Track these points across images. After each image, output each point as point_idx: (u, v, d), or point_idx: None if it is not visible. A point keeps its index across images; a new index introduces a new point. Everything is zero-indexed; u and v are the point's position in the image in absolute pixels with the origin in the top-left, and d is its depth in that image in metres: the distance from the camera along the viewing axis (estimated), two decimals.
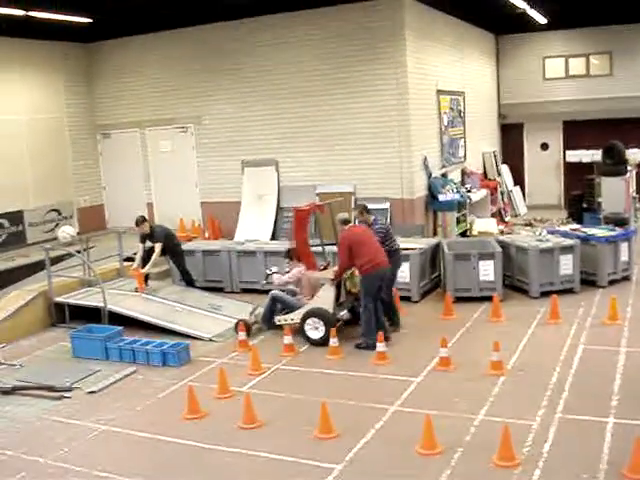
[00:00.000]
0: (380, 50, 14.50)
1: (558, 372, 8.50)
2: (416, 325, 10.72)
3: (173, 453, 7.06)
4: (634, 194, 16.81)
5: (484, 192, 18.27)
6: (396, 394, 8.11)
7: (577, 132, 21.04)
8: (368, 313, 9.71)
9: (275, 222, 15.85)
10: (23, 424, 7.98)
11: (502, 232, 16.52)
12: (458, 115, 17.89)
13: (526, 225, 18.46)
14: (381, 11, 14.36)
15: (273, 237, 15.60)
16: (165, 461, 6.90)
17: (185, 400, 7.95)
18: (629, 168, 16.36)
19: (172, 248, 12.83)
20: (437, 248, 12.81)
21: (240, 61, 15.91)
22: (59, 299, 11.86)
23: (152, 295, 12.19)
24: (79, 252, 12.84)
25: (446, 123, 16.88)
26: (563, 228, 13.72)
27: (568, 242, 12.11)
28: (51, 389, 8.84)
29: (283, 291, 10.86)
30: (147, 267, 12.36)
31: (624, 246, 12.45)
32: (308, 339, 10.10)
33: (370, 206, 14.27)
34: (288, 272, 10.86)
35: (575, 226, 14.04)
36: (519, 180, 21.98)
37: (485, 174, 20.04)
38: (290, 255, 10.98)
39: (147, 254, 12.47)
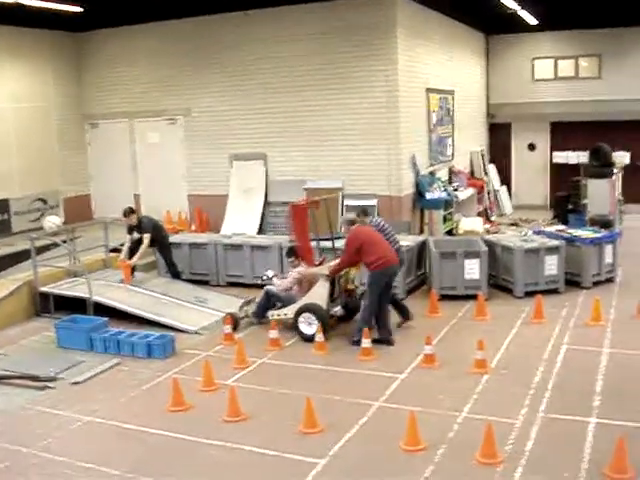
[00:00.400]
0: (371, 47, 14.51)
1: (541, 371, 8.57)
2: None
3: (157, 445, 7.07)
4: (619, 197, 16.92)
5: (471, 191, 18.35)
6: (381, 390, 8.15)
7: (564, 133, 21.18)
8: (370, 310, 9.72)
9: (262, 216, 15.82)
10: (6, 414, 7.96)
11: (488, 231, 16.60)
12: (447, 114, 17.94)
13: (512, 225, 18.55)
14: (373, 8, 14.37)
15: (260, 231, 15.58)
16: (149, 453, 6.91)
17: (170, 392, 7.96)
18: (615, 171, 16.47)
19: (160, 240, 12.81)
20: (423, 246, 12.85)
21: (231, 54, 15.87)
22: (44, 289, 11.81)
23: (138, 287, 12.16)
24: (65, 242, 12.80)
25: (435, 121, 16.93)
26: (549, 229, 13.80)
27: (553, 243, 12.20)
28: (35, 379, 8.81)
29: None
30: (135, 258, 12.34)
31: (609, 248, 12.56)
32: (301, 334, 10.07)
33: (357, 203, 14.49)
34: (285, 276, 10.82)
35: (560, 227, 14.14)
36: (506, 180, 22.08)
37: (472, 173, 20.13)
38: (293, 253, 10.86)
39: (134, 245, 12.44)
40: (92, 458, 6.77)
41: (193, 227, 16.29)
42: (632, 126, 20.24)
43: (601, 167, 16.31)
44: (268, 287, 10.82)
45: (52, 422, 7.67)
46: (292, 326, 10.26)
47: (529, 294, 11.72)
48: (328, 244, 11.50)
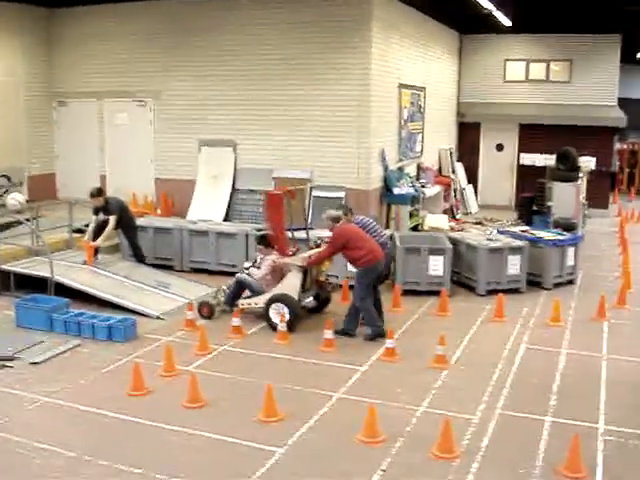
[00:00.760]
0: (346, 39, 14.48)
1: (500, 369, 8.69)
2: None
3: (115, 429, 7.03)
4: (584, 201, 17.17)
5: (438, 188, 18.47)
6: (341, 382, 8.20)
7: (532, 136, 21.43)
8: (365, 303, 9.70)
9: (229, 203, 15.75)
10: None
11: (452, 229, 16.73)
12: (418, 110, 18.03)
13: (476, 224, 18.71)
14: (350, 0, 14.35)
15: (226, 218, 15.52)
16: (106, 436, 6.87)
17: (129, 376, 7.90)
18: (580, 175, 16.69)
19: (126, 222, 12.67)
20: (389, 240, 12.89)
21: (204, 39, 15.74)
22: (5, 267, 11.62)
23: (101, 269, 12.05)
24: (28, 220, 12.62)
25: (406, 117, 16.99)
26: (513, 229, 13.97)
27: (517, 243, 12.36)
28: None
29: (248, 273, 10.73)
30: (99, 240, 12.20)
31: (571, 251, 12.75)
32: (271, 324, 9.98)
33: (325, 194, 14.51)
34: (257, 264, 10.77)
35: (525, 228, 14.31)
36: (472, 179, 22.26)
37: (440, 170, 20.26)
38: (265, 242, 10.79)
39: (100, 227, 12.31)
40: (49, 439, 6.71)
41: (159, 211, 16.17)
42: (599, 132, 20.57)
43: (567, 171, 16.52)
44: (240, 275, 10.71)
45: (9, 401, 7.58)
46: (262, 315, 10.17)
47: (491, 292, 11.88)
48: (302, 234, 11.46)
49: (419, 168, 18.32)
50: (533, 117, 21.23)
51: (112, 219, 12.26)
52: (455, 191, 20.46)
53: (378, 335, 9.50)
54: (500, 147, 22.42)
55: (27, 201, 15.37)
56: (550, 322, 10.55)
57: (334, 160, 14.82)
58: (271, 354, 9.17)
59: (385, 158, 15.46)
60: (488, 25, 19.43)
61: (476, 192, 22.31)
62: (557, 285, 12.57)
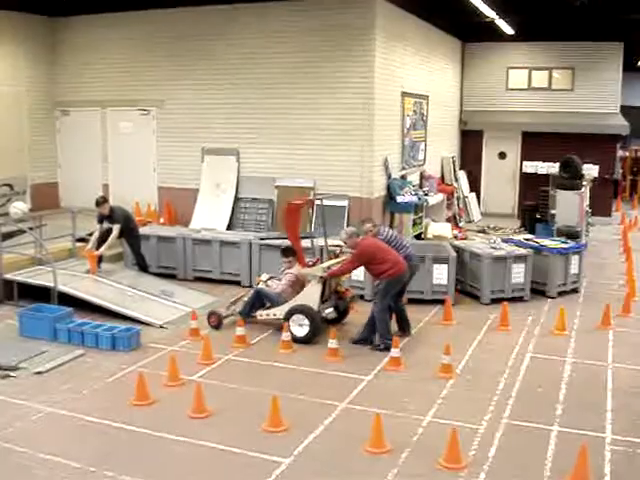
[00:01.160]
0: (349, 48, 14.49)
1: (505, 378, 8.65)
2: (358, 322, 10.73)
3: (119, 439, 6.99)
4: (587, 209, 17.14)
5: (441, 196, 18.44)
6: (346, 391, 8.16)
7: (535, 144, 21.42)
8: (384, 314, 9.67)
9: (232, 212, 15.74)
10: None
11: (456, 237, 16.70)
12: (420, 118, 18.02)
13: (479, 232, 18.68)
14: (353, 9, 14.35)
15: (229, 227, 15.50)
16: (110, 446, 6.83)
17: (134, 386, 7.86)
18: (584, 183, 16.67)
19: (129, 231, 12.67)
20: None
21: (208, 48, 15.75)
22: (8, 276, 11.60)
23: (104, 278, 12.03)
24: (31, 229, 12.60)
25: (408, 125, 16.98)
26: (517, 237, 13.93)
27: (521, 251, 12.32)
28: None
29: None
30: (102, 248, 12.19)
31: (575, 259, 12.71)
32: (292, 336, 9.83)
33: (328, 203, 14.48)
34: (278, 276, 10.71)
35: (528, 236, 14.28)
36: (475, 187, 22.24)
37: (443, 179, 20.24)
38: (289, 253, 10.67)
39: (103, 235, 12.30)
40: (53, 450, 6.67)
41: (162, 220, 16.16)
42: (601, 140, 20.55)
43: (571, 179, 16.49)
44: (259, 287, 10.61)
45: (13, 412, 7.54)
46: (282, 327, 9.96)
47: (495, 301, 11.84)
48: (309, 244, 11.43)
49: (422, 176, 18.30)
50: (535, 125, 21.22)
51: (116, 228, 12.26)
52: (458, 199, 20.44)
53: (386, 349, 9.43)
54: (503, 155, 22.41)
55: (30, 210, 15.35)
56: (555, 331, 10.51)
57: (337, 168, 14.81)
58: (275, 363, 9.13)
59: (388, 166, 15.45)
60: (490, 33, 19.46)
61: (479, 200, 22.29)
62: (561, 293, 12.53)
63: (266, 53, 15.20)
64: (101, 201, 12.48)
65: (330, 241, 11.25)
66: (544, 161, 20.68)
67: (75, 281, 11.58)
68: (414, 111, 17.38)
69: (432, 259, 11.86)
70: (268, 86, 15.28)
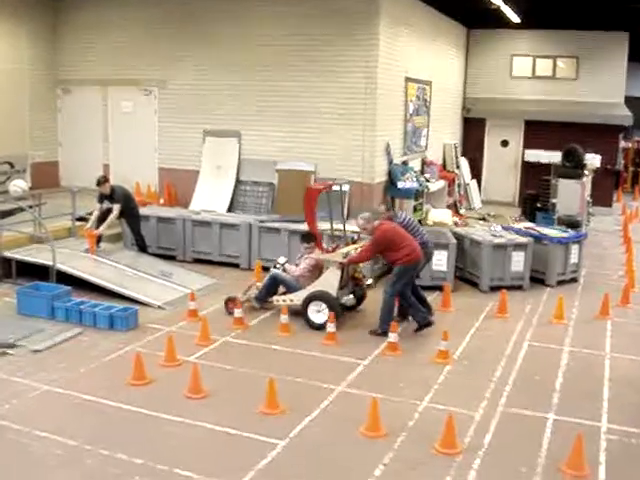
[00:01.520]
0: (353, 32, 14.39)
1: (502, 366, 8.65)
2: (367, 309, 10.72)
3: (115, 418, 7.00)
4: (589, 198, 17.09)
5: (442, 183, 18.39)
6: (343, 375, 8.16)
7: (537, 132, 21.34)
8: (392, 300, 9.63)
9: (233, 194, 15.70)
10: None
11: (456, 224, 16.65)
12: (423, 104, 17.94)
13: (480, 219, 18.64)
14: None
15: (229, 209, 15.46)
16: (107, 425, 6.83)
17: (131, 365, 7.87)
18: (586, 172, 16.61)
19: (129, 211, 12.64)
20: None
21: (211, 29, 15.65)
22: (7, 254, 11.58)
23: (103, 257, 12.02)
24: (31, 207, 12.58)
25: (411, 111, 16.91)
26: (517, 226, 13.90)
27: (522, 240, 12.30)
28: None
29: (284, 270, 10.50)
30: (102, 228, 12.18)
31: (575, 248, 12.69)
32: (309, 322, 9.81)
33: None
34: (296, 261, 10.63)
35: (529, 224, 14.25)
36: (476, 174, 22.17)
37: (444, 165, 20.18)
38: (310, 239, 10.51)
39: (103, 215, 12.28)
40: (49, 428, 6.67)
41: (162, 201, 16.12)
42: (604, 130, 20.47)
43: (573, 168, 16.43)
44: (275, 271, 10.44)
45: (9, 389, 7.54)
46: (298, 313, 9.94)
47: (494, 289, 11.82)
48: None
49: (423, 162, 18.25)
50: (539, 113, 21.12)
51: (116, 207, 12.23)
52: (459, 186, 20.39)
53: (384, 334, 9.41)
54: (505, 143, 22.33)
55: (29, 188, 15.31)
56: (553, 320, 10.51)
57: (339, 153, 14.76)
58: (273, 346, 9.13)
59: (390, 152, 15.40)
60: (495, 20, 19.31)
61: (480, 188, 22.23)
62: (560, 283, 12.51)
63: (269, 36, 15.10)
64: (102, 180, 12.46)
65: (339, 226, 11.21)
66: (546, 150, 20.61)
67: (74, 260, 11.56)
68: (417, 97, 17.30)
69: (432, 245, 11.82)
70: (272, 69, 15.18)
